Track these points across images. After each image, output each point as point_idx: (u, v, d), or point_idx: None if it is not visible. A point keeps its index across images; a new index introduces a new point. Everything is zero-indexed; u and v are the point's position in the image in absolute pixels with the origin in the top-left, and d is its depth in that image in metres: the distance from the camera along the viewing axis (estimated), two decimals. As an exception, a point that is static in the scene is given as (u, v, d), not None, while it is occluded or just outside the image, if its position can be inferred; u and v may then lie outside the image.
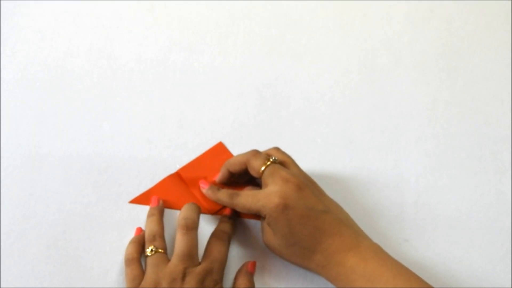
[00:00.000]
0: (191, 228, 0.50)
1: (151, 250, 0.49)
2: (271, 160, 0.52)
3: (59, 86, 0.64)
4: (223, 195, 0.53)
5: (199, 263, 0.48)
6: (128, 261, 0.50)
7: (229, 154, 0.59)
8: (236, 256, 0.53)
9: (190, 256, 0.48)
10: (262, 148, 0.56)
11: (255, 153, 0.53)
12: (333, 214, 0.49)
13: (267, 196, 0.49)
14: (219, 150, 0.60)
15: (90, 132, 0.60)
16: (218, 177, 0.55)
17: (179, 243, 0.49)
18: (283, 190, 0.49)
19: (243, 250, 0.53)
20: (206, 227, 0.54)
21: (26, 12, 0.70)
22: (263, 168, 0.51)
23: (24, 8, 0.70)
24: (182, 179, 0.57)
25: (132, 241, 0.52)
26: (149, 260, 0.49)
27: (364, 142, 0.61)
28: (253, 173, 0.52)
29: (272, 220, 0.48)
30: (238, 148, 0.60)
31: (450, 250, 0.53)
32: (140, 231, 0.53)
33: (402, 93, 0.66)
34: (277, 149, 0.55)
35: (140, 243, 0.51)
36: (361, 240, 0.48)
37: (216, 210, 0.55)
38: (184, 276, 0.46)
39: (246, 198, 0.51)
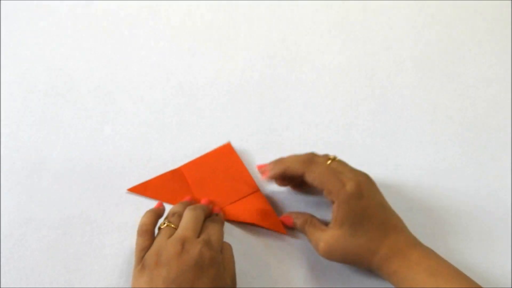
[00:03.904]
0: (199, 207, 0.52)
1: (165, 224, 0.50)
2: (330, 157, 0.52)
3: (59, 88, 0.64)
4: (296, 160, 0.51)
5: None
6: (141, 231, 0.50)
7: (236, 156, 0.59)
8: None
9: (193, 229, 0.49)
10: (262, 151, 0.56)
11: (314, 153, 0.53)
12: (395, 213, 0.51)
13: (344, 179, 0.49)
14: (226, 150, 0.60)
15: (91, 134, 0.60)
16: (271, 173, 0.53)
17: (185, 217, 0.50)
18: (358, 179, 0.49)
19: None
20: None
21: (27, 15, 0.70)
22: (329, 162, 0.51)
23: (25, 10, 0.70)
24: (183, 176, 0.58)
25: (150, 211, 0.52)
26: (159, 231, 0.49)
27: (364, 147, 0.61)
28: (316, 182, 0.50)
29: (344, 207, 0.48)
30: (238, 151, 0.60)
31: (450, 253, 0.53)
32: (161, 205, 0.54)
33: (402, 97, 0.66)
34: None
35: (157, 215, 0.52)
36: (418, 241, 0.49)
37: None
38: (184, 244, 0.47)
39: (324, 170, 0.50)
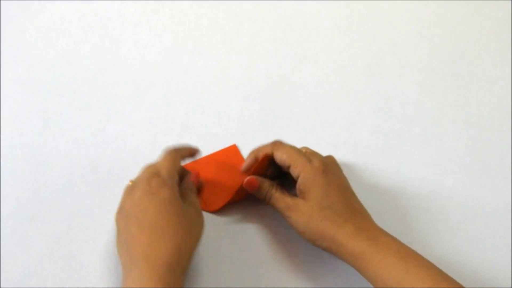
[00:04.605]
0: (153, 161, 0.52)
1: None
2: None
3: (62, 87, 0.64)
4: (265, 145, 0.53)
5: None
6: None
7: (241, 158, 0.59)
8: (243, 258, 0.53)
9: (144, 175, 0.50)
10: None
11: (281, 142, 0.54)
12: (360, 202, 0.51)
13: (310, 157, 0.50)
14: (231, 152, 0.60)
15: (93, 133, 0.60)
16: (244, 165, 0.54)
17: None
18: (325, 159, 0.51)
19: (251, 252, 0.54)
20: (209, 228, 0.54)
21: (32, 12, 0.70)
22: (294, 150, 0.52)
23: (27, 9, 0.70)
24: None
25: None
26: None
27: (368, 145, 0.61)
28: (284, 157, 0.51)
29: (310, 181, 0.48)
30: (242, 149, 0.60)
31: (452, 253, 0.53)
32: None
33: (406, 96, 0.66)
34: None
35: None
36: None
37: (219, 207, 0.55)
38: (133, 186, 0.48)
39: (291, 148, 0.52)
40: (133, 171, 0.57)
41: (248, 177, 0.52)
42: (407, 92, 0.66)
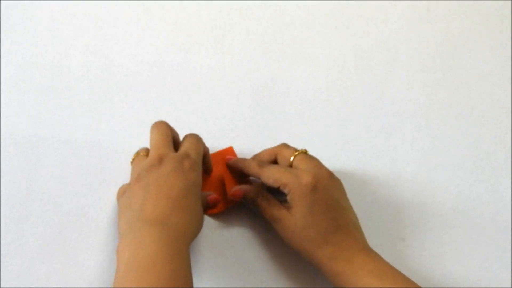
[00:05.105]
0: (161, 121, 0.53)
1: (134, 157, 0.52)
2: (300, 150, 0.53)
3: (56, 86, 0.63)
4: (252, 162, 0.53)
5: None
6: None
7: None
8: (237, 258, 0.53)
9: (164, 144, 0.50)
10: (259, 147, 0.56)
11: (286, 144, 0.54)
12: (351, 215, 0.50)
13: (300, 173, 0.50)
14: (228, 154, 0.59)
15: (87, 132, 0.60)
16: (240, 191, 0.54)
17: (151, 137, 0.51)
18: (317, 173, 0.50)
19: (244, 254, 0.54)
20: (207, 229, 0.54)
21: (24, 12, 0.69)
22: (292, 157, 0.52)
23: (22, 8, 0.70)
24: None
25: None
26: (131, 164, 0.51)
27: (360, 142, 0.62)
28: (283, 161, 0.53)
29: (296, 197, 0.48)
30: (234, 148, 0.60)
31: (446, 249, 0.53)
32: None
33: (398, 92, 0.66)
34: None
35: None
36: (367, 245, 0.49)
37: (216, 212, 0.55)
38: (161, 160, 0.48)
39: (278, 169, 0.51)
40: (127, 170, 0.57)
41: (233, 189, 0.53)
42: (398, 88, 0.66)
